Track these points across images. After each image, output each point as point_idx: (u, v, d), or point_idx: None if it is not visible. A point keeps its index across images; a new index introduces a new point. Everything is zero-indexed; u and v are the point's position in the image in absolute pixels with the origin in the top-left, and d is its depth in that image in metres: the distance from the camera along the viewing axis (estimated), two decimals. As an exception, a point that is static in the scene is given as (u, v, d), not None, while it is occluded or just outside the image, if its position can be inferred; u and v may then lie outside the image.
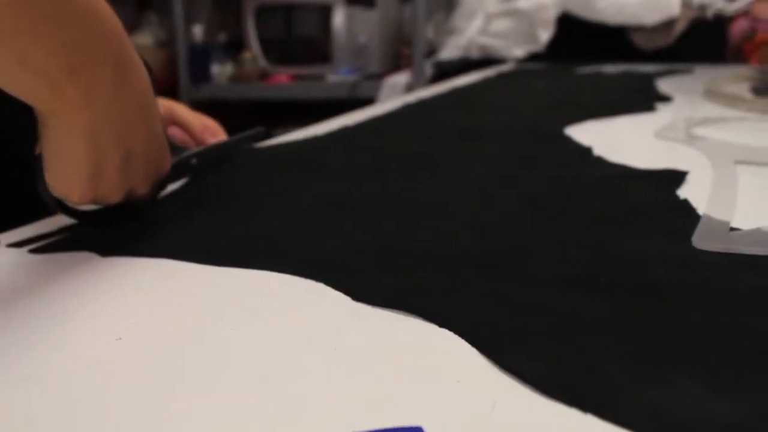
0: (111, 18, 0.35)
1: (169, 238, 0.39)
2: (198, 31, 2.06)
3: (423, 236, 0.37)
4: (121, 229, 0.40)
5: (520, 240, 0.36)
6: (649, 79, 1.09)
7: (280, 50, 2.08)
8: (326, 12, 1.96)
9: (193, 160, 0.48)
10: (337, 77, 1.96)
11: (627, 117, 0.77)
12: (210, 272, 0.34)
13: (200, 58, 2.08)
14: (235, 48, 2.16)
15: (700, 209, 0.40)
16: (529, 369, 0.22)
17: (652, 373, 0.22)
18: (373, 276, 0.32)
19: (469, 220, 0.40)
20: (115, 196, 0.39)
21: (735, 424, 0.19)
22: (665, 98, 0.90)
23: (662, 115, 0.79)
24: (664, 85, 1.04)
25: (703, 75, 1.14)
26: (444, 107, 0.88)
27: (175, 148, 0.45)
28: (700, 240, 0.34)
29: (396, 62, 2.04)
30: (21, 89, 0.32)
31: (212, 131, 0.56)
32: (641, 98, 0.89)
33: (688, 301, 0.27)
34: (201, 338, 0.27)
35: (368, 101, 1.87)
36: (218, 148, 0.51)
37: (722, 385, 0.21)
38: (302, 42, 2.06)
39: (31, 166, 0.37)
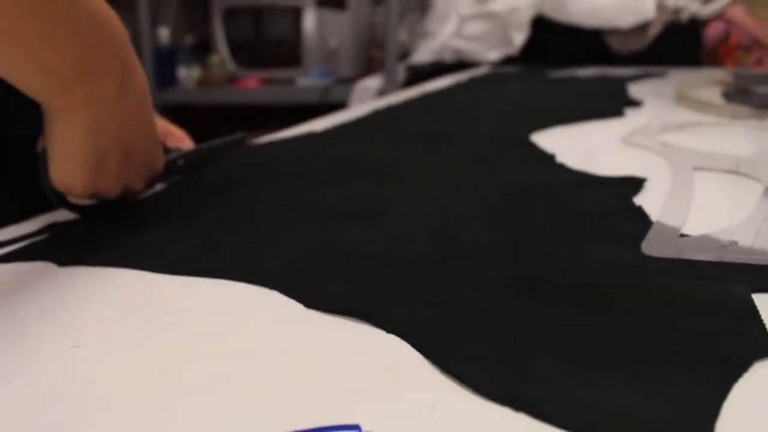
0: (118, 26, 0.39)
1: (126, 247, 0.40)
2: (164, 32, 2.06)
3: (377, 243, 0.39)
4: (111, 222, 0.44)
5: (472, 246, 0.37)
6: (621, 84, 1.12)
7: (249, 53, 2.09)
8: (296, 14, 1.98)
9: (180, 161, 0.52)
10: (307, 81, 1.97)
11: (595, 122, 0.80)
12: (164, 281, 0.36)
13: (166, 61, 2.08)
14: (202, 51, 2.16)
15: (654, 216, 0.42)
16: (467, 371, 0.23)
17: (584, 374, 0.23)
18: (325, 282, 0.33)
19: (424, 227, 0.41)
20: (113, 191, 0.43)
21: (656, 421, 0.21)
22: (635, 103, 0.93)
23: (630, 120, 0.81)
24: (635, 90, 1.07)
25: (677, 79, 1.17)
26: (412, 113, 0.90)
27: (164, 149, 0.49)
28: (649, 246, 0.36)
29: (368, 66, 2.06)
30: (34, 89, 0.36)
31: (176, 138, 0.59)
32: (611, 103, 0.91)
33: (628, 305, 0.29)
34: (154, 345, 0.28)
35: (340, 105, 1.88)
36: (203, 150, 0.55)
37: (650, 385, 0.23)
38: (272, 45, 2.07)
39: (26, 164, 0.41)
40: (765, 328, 0.26)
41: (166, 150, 0.50)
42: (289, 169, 0.59)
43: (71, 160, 0.40)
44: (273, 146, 0.69)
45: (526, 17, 1.60)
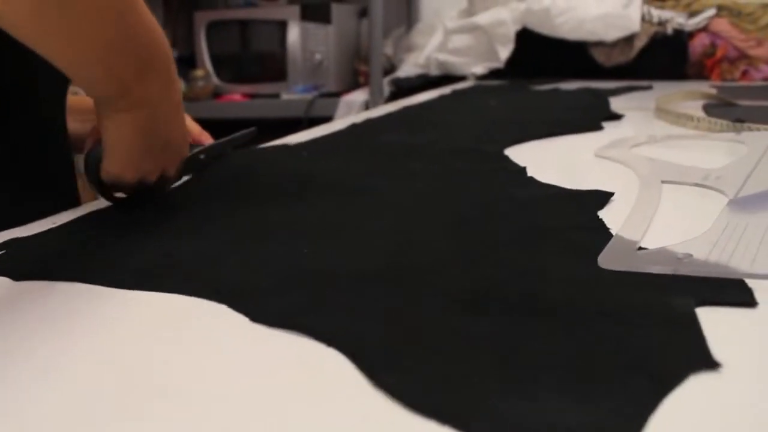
0: (163, 36, 0.46)
1: (82, 261, 0.41)
2: (147, 47, 2.08)
3: (336, 257, 0.39)
4: (143, 210, 0.50)
5: (429, 260, 0.38)
6: (604, 97, 1.13)
7: (233, 68, 2.10)
8: (282, 28, 1.99)
9: (202, 156, 0.58)
10: (292, 95, 1.98)
11: (572, 136, 0.80)
12: (117, 295, 0.36)
13: (149, 75, 2.09)
14: (186, 65, 2.17)
15: (614, 230, 0.42)
16: (397, 383, 0.24)
17: (518, 387, 0.24)
18: (276, 297, 0.33)
19: (384, 241, 0.42)
20: (153, 175, 0.50)
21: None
22: (616, 116, 0.93)
23: (608, 134, 0.82)
24: (617, 103, 1.08)
25: (661, 92, 1.19)
26: (390, 127, 0.90)
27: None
28: (605, 260, 0.37)
29: (354, 80, 2.07)
30: (101, 91, 0.44)
31: (207, 136, 0.68)
32: (591, 117, 0.92)
33: (575, 318, 0.29)
34: (105, 358, 0.29)
35: (325, 120, 1.89)
36: (220, 145, 0.62)
37: (583, 399, 0.23)
38: (256, 59, 2.08)
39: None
40: (704, 342, 0.27)
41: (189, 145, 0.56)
42: (258, 185, 0.59)
43: (125, 152, 0.47)
44: (243, 156, 0.70)
45: (511, 31, 1.61)
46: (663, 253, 0.37)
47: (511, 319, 0.29)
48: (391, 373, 0.25)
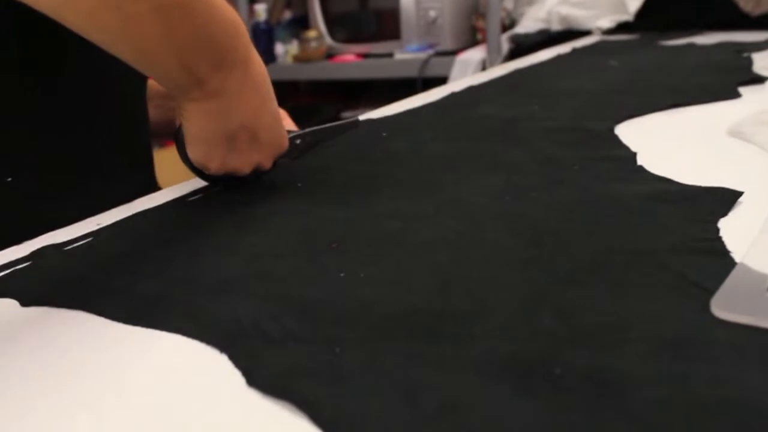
0: (240, 24, 0.44)
1: (89, 287, 0.36)
2: (261, 9, 2.05)
3: (370, 287, 0.32)
4: (245, 192, 0.49)
5: (479, 301, 0.30)
6: (746, 54, 0.98)
7: (346, 28, 2.03)
8: (396, -16, 1.90)
9: (298, 141, 0.55)
10: (406, 55, 1.89)
11: (701, 107, 0.68)
12: (116, 330, 0.31)
13: (264, 38, 2.06)
14: (299, 26, 2.13)
15: (738, 253, 0.32)
16: None
17: None
18: (280, 350, 0.27)
19: (435, 265, 0.34)
20: (245, 169, 0.48)
21: None
22: (759, 79, 0.79)
23: (747, 102, 0.69)
24: (763, 61, 0.92)
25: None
26: (490, 97, 0.81)
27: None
28: (721, 304, 0.28)
29: (471, 37, 1.96)
30: (176, 86, 0.43)
31: (287, 122, 0.62)
32: (728, 80, 0.79)
33: (652, 406, 0.21)
34: (92, 397, 0.23)
35: (440, 80, 1.80)
36: (319, 132, 0.58)
37: None
38: (369, 18, 2.00)
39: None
40: None
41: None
42: (315, 178, 0.52)
43: (204, 142, 0.46)
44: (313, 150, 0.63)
45: (642, -22, 1.45)
46: (803, 297, 0.28)
47: (561, 399, 0.21)
48: None
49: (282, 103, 0.63)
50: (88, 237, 0.43)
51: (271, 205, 0.46)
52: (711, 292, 0.29)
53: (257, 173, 0.50)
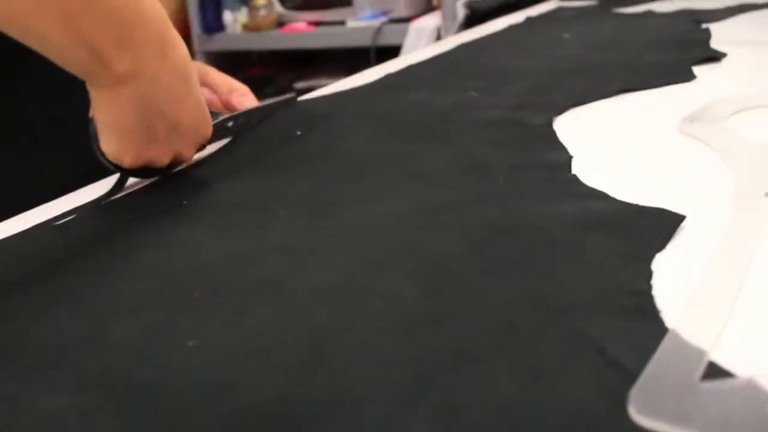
0: (152, 2, 0.40)
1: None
2: (207, -25, 1.95)
3: (217, 367, 0.25)
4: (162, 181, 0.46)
5: (347, 384, 0.23)
6: (705, 24, 0.91)
7: (297, -7, 1.94)
8: (346, -53, 1.80)
9: (229, 123, 0.53)
10: (359, 23, 1.81)
11: (653, 92, 0.62)
12: None
13: (211, 5, 1.96)
14: (248, -8, 2.04)
15: (671, 313, 0.26)
16: None
17: None
18: None
19: (311, 324, 0.28)
20: (163, 160, 0.45)
21: None
22: (715, 57, 0.72)
23: (701, 86, 0.63)
24: (723, 33, 0.86)
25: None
26: (424, 80, 0.74)
27: (211, 113, 0.50)
28: (640, 404, 0.21)
29: (426, 3, 1.87)
30: (75, 63, 0.39)
31: (240, 93, 0.59)
32: (683, 58, 0.72)
33: None
34: None
35: (393, 49, 1.72)
36: (253, 111, 0.56)
37: None
38: (320, -17, 1.91)
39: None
40: None
41: (213, 114, 0.51)
42: (204, 191, 0.46)
43: (119, 134, 0.42)
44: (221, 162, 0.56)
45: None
46: (750, 392, 0.21)
47: None
48: None
49: (234, 75, 0.62)
50: None
51: (143, 233, 0.39)
52: (632, 376, 0.23)
53: (176, 164, 0.48)
